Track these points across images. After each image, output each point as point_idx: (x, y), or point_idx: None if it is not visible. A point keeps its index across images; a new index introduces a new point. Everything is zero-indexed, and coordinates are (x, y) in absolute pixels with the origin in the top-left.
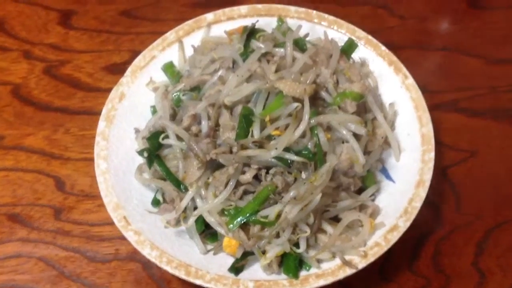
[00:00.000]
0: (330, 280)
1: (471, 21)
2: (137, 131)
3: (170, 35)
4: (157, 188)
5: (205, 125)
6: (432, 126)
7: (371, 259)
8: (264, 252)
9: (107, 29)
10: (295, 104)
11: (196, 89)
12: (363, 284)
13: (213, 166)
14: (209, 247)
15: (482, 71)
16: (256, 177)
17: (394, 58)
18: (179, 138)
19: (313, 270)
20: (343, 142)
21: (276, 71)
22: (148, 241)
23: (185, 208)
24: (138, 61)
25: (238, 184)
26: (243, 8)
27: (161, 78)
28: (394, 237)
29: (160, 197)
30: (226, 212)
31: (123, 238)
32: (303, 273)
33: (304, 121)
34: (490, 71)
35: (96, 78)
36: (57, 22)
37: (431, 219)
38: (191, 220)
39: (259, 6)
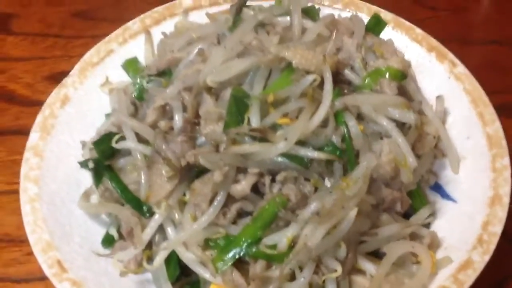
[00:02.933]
0: None
1: None
2: (85, 145)
3: (134, 24)
4: (110, 219)
5: (179, 118)
6: (500, 124)
7: None
8: None
9: (55, 33)
10: (311, 77)
11: (167, 74)
12: None
13: (191, 176)
14: None
15: None
16: (257, 189)
17: (435, 42)
18: (141, 140)
19: None
20: (381, 138)
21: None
22: None
23: (150, 243)
24: (90, 56)
25: (229, 199)
26: None
27: (121, 77)
28: (469, 277)
29: (114, 233)
30: (212, 244)
31: None
32: None
33: (325, 103)
34: None
35: (36, 89)
36: None
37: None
38: (159, 259)
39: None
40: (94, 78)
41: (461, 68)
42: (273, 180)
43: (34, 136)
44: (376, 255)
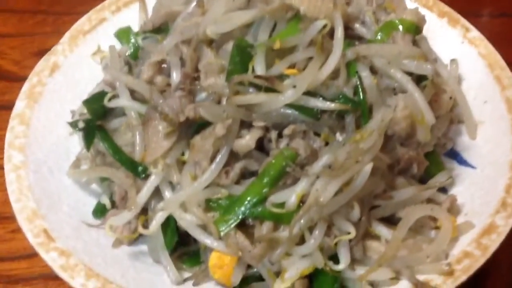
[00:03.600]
0: None
1: None
2: (75, 113)
3: None
4: (102, 188)
5: (176, 72)
6: None
7: (461, 277)
8: (279, 274)
9: (44, 9)
10: (321, 22)
11: (163, 30)
12: None
13: (191, 133)
14: (187, 274)
15: None
16: (262, 147)
17: (446, 7)
18: (136, 99)
19: None
20: (395, 94)
21: None
22: (83, 266)
23: (146, 207)
24: (81, 24)
25: (232, 157)
26: None
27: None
28: (494, 242)
29: (106, 201)
30: (213, 205)
31: (50, 276)
32: None
33: (336, 52)
34: None
35: (23, 65)
36: None
37: None
38: (155, 223)
39: None
40: (85, 47)
41: (475, 33)
42: (280, 136)
43: (20, 104)
44: (391, 222)
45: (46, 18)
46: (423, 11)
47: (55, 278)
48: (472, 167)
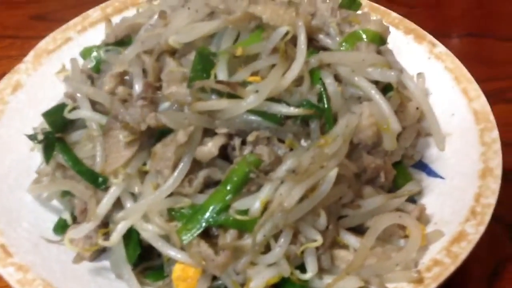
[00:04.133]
0: None
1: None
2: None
3: (94, 12)
4: (63, 205)
5: (138, 83)
6: (485, 100)
7: (431, 285)
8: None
9: (12, 34)
10: (283, 29)
11: (126, 43)
12: None
13: (153, 143)
14: None
15: None
16: (226, 156)
17: (413, 25)
18: (96, 109)
19: None
20: (360, 103)
21: None
22: (41, 281)
23: (107, 222)
24: (46, 43)
25: (195, 166)
26: None
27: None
28: (464, 249)
29: (67, 217)
30: (176, 214)
31: None
32: None
33: (299, 59)
34: None
35: None
36: None
37: (507, 240)
38: (115, 235)
39: None
40: (49, 66)
41: (441, 48)
42: (243, 143)
43: None
44: (360, 232)
45: (14, 42)
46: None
47: None
48: (441, 177)
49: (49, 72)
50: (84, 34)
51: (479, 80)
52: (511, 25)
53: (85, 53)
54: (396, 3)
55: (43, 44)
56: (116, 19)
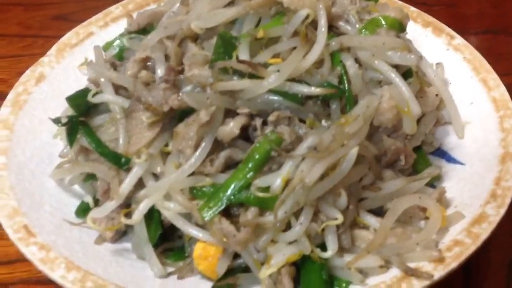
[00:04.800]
0: None
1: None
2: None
3: (116, 9)
4: (85, 189)
5: (161, 67)
6: (504, 88)
7: (452, 264)
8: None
9: (34, 33)
10: (304, 11)
11: (149, 31)
12: None
13: (174, 124)
14: (171, 269)
15: None
16: (247, 137)
17: (431, 18)
18: (119, 93)
19: None
20: (381, 86)
21: None
22: (63, 259)
23: (129, 203)
24: (68, 38)
25: (217, 146)
26: None
27: None
28: (485, 230)
29: (89, 200)
30: (197, 193)
31: (30, 281)
32: None
33: (320, 41)
34: None
35: (10, 84)
36: None
37: None
38: (137, 213)
39: None
40: (72, 59)
41: (459, 40)
42: (264, 123)
43: (4, 110)
44: (380, 215)
45: (36, 41)
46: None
47: (36, 282)
48: (461, 163)
49: (71, 65)
50: (106, 29)
51: (503, 74)
52: None
53: (107, 47)
54: (413, 1)
55: (65, 38)
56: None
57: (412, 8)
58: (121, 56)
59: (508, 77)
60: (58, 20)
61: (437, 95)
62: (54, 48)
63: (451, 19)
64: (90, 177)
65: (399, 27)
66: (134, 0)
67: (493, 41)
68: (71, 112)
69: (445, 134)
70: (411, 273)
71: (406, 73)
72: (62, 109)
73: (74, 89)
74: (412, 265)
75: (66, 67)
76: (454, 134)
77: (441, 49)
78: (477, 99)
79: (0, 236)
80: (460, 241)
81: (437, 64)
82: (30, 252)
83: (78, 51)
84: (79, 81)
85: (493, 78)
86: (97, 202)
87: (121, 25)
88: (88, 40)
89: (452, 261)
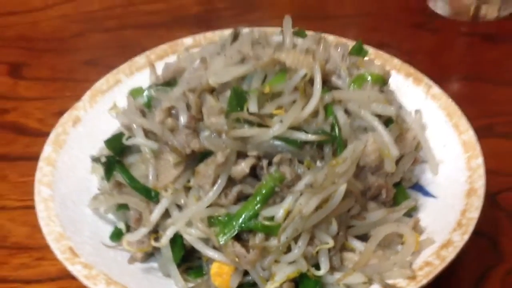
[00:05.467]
0: None
1: (486, 53)
2: (94, 158)
3: (140, 59)
4: (118, 217)
5: (183, 115)
6: (473, 132)
7: (422, 281)
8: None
9: (65, 77)
10: (303, 71)
11: (172, 84)
12: None
13: (195, 163)
14: (191, 285)
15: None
16: (255, 175)
17: (412, 69)
18: (148, 137)
19: None
20: (366, 132)
21: None
22: (103, 276)
23: (157, 227)
24: (100, 84)
25: (230, 182)
26: (228, 32)
27: None
28: (450, 253)
29: (122, 226)
30: (214, 221)
31: None
32: None
33: (316, 95)
34: None
35: (46, 123)
36: (5, 73)
37: (491, 253)
38: (165, 238)
39: (246, 29)
40: (103, 103)
41: (436, 89)
42: (269, 164)
43: (47, 149)
44: (365, 240)
45: (67, 84)
46: (392, 73)
47: None
48: (434, 197)
49: (102, 109)
50: (132, 77)
51: (470, 117)
52: (497, 70)
53: (133, 92)
54: (399, 51)
55: (98, 85)
56: (158, 65)
57: (396, 60)
58: (149, 105)
59: (480, 120)
60: (86, 64)
61: (414, 138)
62: (87, 94)
63: (431, 67)
64: (122, 207)
65: (382, 81)
66: (155, 52)
67: (469, 87)
68: (107, 152)
69: (421, 171)
70: None
71: (388, 121)
72: (94, 148)
73: (105, 130)
74: (390, 281)
75: (98, 111)
76: (429, 171)
77: (420, 97)
78: (449, 142)
79: (43, 257)
80: (430, 262)
81: (416, 111)
82: (76, 270)
83: (108, 97)
84: (109, 123)
85: (464, 123)
86: (128, 228)
87: (145, 74)
88: (116, 87)
89: (423, 279)
